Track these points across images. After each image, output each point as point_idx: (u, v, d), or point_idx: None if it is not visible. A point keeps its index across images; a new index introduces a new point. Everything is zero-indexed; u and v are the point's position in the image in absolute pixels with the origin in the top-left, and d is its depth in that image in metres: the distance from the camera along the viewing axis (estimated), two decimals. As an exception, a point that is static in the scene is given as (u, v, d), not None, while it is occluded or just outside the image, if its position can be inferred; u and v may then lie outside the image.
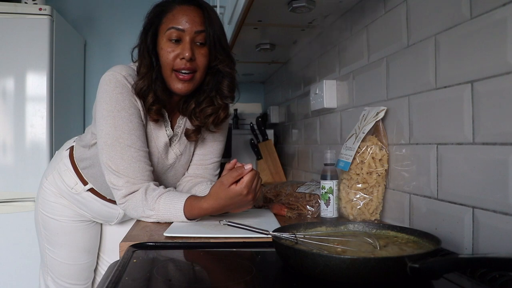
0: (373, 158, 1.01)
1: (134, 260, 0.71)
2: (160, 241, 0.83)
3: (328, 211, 1.06)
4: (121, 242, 0.82)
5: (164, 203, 0.98)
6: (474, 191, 0.72)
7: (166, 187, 1.07)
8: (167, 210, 0.98)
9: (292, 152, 2.06)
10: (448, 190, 0.80)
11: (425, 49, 0.87)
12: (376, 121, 1.03)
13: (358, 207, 1.02)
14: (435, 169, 0.84)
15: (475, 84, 0.72)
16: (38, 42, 2.11)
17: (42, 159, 2.09)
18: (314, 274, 0.59)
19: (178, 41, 1.02)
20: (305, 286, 0.59)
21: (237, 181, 0.93)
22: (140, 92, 1.03)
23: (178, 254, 0.80)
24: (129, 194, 1.01)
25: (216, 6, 1.63)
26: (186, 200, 0.98)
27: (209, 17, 1.03)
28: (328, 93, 1.41)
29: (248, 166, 0.93)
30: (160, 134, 1.12)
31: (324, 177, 1.07)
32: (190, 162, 1.24)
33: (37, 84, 2.11)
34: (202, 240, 0.84)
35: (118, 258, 0.78)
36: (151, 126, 1.10)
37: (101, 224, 1.36)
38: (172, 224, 0.97)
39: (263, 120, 2.30)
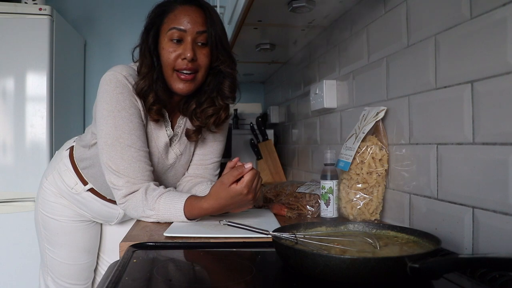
0: (373, 158, 1.01)
1: (134, 260, 0.71)
2: (160, 241, 0.83)
3: (328, 211, 1.06)
4: (121, 242, 0.82)
5: (164, 203, 0.98)
6: (474, 191, 0.72)
7: (166, 187, 1.07)
8: (167, 210, 0.98)
9: (292, 152, 2.06)
10: (448, 190, 0.80)
11: (425, 49, 0.87)
12: (376, 121, 1.03)
13: (358, 207, 1.02)
14: (435, 169, 0.84)
15: (475, 84, 0.72)
16: (38, 42, 2.11)
17: (42, 159, 2.09)
18: (314, 274, 0.59)
19: (179, 41, 1.02)
20: (305, 286, 0.59)
21: (237, 181, 0.93)
22: (141, 92, 1.03)
23: (178, 254, 0.80)
24: (129, 194, 1.01)
25: (216, 6, 1.63)
26: (186, 200, 0.98)
27: (210, 17, 1.03)
28: (328, 93, 1.41)
29: (248, 165, 0.93)
30: (160, 134, 1.12)
31: (324, 177, 1.07)
32: (190, 162, 1.24)
33: (37, 84, 2.11)
34: (202, 240, 0.84)
35: (118, 258, 0.78)
36: (152, 126, 1.10)
37: (101, 224, 1.36)
38: (172, 224, 0.97)
39: (263, 120, 2.30)
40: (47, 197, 1.24)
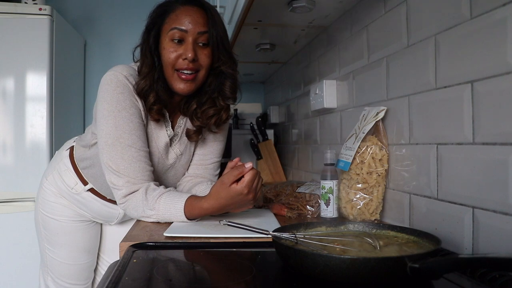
0: (373, 158, 1.01)
1: (134, 260, 0.71)
2: (160, 241, 0.83)
3: (328, 211, 1.06)
4: (121, 242, 0.82)
5: (164, 203, 0.98)
6: (474, 191, 0.72)
7: (166, 187, 1.07)
8: (167, 210, 0.98)
9: (292, 152, 2.06)
10: (448, 190, 0.80)
11: (425, 49, 0.87)
12: (376, 121, 1.03)
13: (358, 207, 1.02)
14: (435, 169, 0.84)
15: (475, 84, 0.72)
16: (38, 42, 2.10)
17: (42, 159, 2.09)
18: (314, 274, 0.59)
19: (180, 41, 1.02)
20: (305, 286, 0.59)
21: (238, 181, 0.93)
22: (141, 92, 1.03)
23: (178, 254, 0.80)
24: (129, 194, 1.01)
25: (216, 6, 1.63)
26: (186, 200, 0.98)
27: (212, 18, 1.03)
28: (328, 93, 1.41)
29: (248, 165, 0.93)
30: (160, 134, 1.12)
31: (324, 177, 1.07)
32: (190, 162, 1.24)
33: (37, 84, 2.11)
34: (202, 240, 0.84)
35: (118, 258, 0.78)
36: (152, 126, 1.10)
37: (101, 224, 1.36)
38: (172, 224, 0.97)
39: (263, 120, 2.30)
40: (47, 197, 1.24)
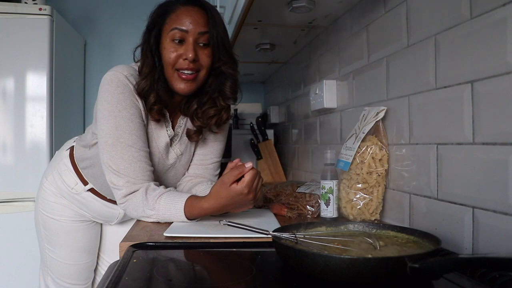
0: (373, 158, 1.01)
1: (134, 260, 0.71)
2: (160, 241, 0.83)
3: (328, 211, 1.06)
4: (121, 242, 0.82)
5: (164, 203, 0.98)
6: (474, 191, 0.72)
7: (166, 187, 1.07)
8: (167, 210, 0.98)
9: (292, 152, 2.06)
10: (448, 190, 0.80)
11: (425, 49, 0.87)
12: (376, 121, 1.03)
13: (358, 207, 1.02)
14: (435, 169, 0.84)
15: (475, 84, 0.72)
16: (38, 42, 2.10)
17: (42, 159, 2.09)
18: (314, 274, 0.59)
19: (181, 41, 1.02)
20: (305, 286, 0.59)
21: (238, 180, 0.93)
22: (142, 92, 1.03)
23: (178, 254, 0.80)
24: (129, 194, 1.01)
25: (216, 6, 1.63)
26: (186, 200, 0.98)
27: (212, 18, 1.03)
28: (328, 93, 1.41)
29: (248, 165, 0.93)
30: (161, 134, 1.12)
31: (324, 177, 1.07)
32: (191, 162, 1.24)
33: (37, 84, 2.11)
34: (202, 240, 0.84)
35: (118, 258, 0.78)
36: (152, 126, 1.10)
37: (101, 224, 1.36)
38: (172, 224, 0.97)
39: (263, 120, 2.30)
40: (47, 197, 1.24)
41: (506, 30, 0.65)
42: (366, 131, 1.02)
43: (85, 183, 1.21)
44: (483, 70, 0.70)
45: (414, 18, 0.92)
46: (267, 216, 1.09)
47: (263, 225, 0.81)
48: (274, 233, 0.70)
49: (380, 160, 1.01)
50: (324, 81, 1.42)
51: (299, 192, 1.21)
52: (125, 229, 1.28)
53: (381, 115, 1.02)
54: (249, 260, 0.75)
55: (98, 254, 1.37)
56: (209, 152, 1.23)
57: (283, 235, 0.70)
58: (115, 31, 2.82)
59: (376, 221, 1.02)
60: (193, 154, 1.23)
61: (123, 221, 1.33)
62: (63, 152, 1.25)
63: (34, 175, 2.01)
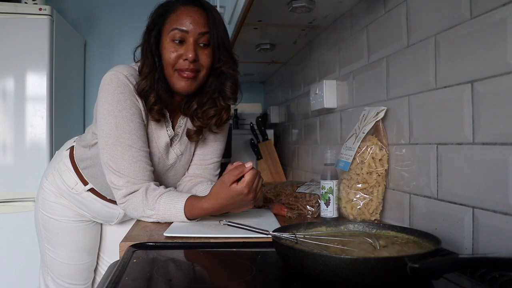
0: (373, 158, 1.01)
1: (134, 260, 0.71)
2: (160, 241, 0.83)
3: (328, 211, 1.06)
4: (121, 242, 0.82)
5: (164, 203, 0.98)
6: (474, 191, 0.72)
7: (166, 187, 1.07)
8: (167, 210, 0.98)
9: (292, 152, 2.06)
10: (448, 190, 0.80)
11: (425, 49, 0.87)
12: (376, 121, 1.03)
13: (358, 207, 1.02)
14: (435, 169, 0.84)
15: (475, 84, 0.72)
16: (38, 42, 2.10)
17: (42, 159, 2.09)
18: (314, 274, 0.59)
19: (181, 42, 1.02)
20: (305, 286, 0.59)
21: (238, 180, 0.93)
22: (142, 92, 1.03)
23: (178, 254, 0.80)
24: (129, 194, 1.01)
25: (216, 6, 1.63)
26: (186, 200, 0.98)
27: (213, 18, 1.03)
28: (328, 93, 1.41)
29: (248, 165, 0.93)
30: (161, 134, 1.12)
31: (324, 177, 1.07)
32: (191, 162, 1.24)
33: (37, 84, 2.11)
34: (202, 240, 0.84)
35: (118, 258, 0.78)
36: (152, 126, 1.10)
37: (101, 224, 1.36)
38: (172, 224, 0.97)
39: (263, 120, 2.30)
40: (47, 197, 1.24)
41: (506, 30, 0.65)
42: (366, 131, 1.02)
43: (85, 183, 1.21)
44: (483, 70, 0.70)
45: (414, 18, 0.92)
46: (267, 216, 1.09)
47: (263, 225, 0.81)
48: (274, 233, 0.70)
49: (380, 160, 1.01)
50: (324, 81, 1.42)
51: (299, 192, 1.21)
52: (125, 229, 1.28)
53: (381, 115, 1.02)
54: (249, 260, 0.75)
55: (98, 254, 1.37)
56: (209, 152, 1.23)
57: (283, 235, 0.70)
58: (115, 31, 2.82)
59: (376, 221, 1.02)
60: (193, 154, 1.23)
61: (123, 221, 1.33)
62: (63, 152, 1.25)
63: (34, 175, 2.01)
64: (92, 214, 1.26)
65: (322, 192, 1.07)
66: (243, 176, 0.93)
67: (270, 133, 2.25)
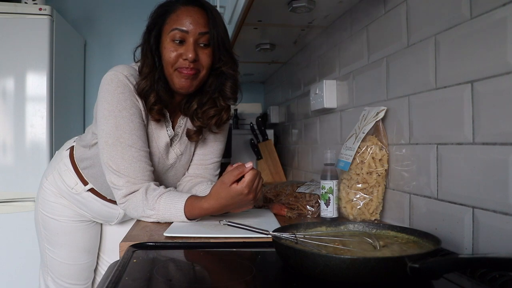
0: (373, 158, 1.01)
1: (134, 260, 0.71)
2: (160, 241, 0.83)
3: (328, 211, 1.06)
4: (121, 242, 0.82)
5: (164, 203, 0.98)
6: (474, 191, 0.72)
7: (166, 187, 1.07)
8: (167, 210, 0.98)
9: (292, 152, 2.06)
10: (448, 190, 0.80)
11: (425, 49, 0.87)
12: (376, 121, 1.03)
13: (358, 207, 1.02)
14: (435, 169, 0.84)
15: (475, 84, 0.72)
16: (38, 42, 2.10)
17: (42, 159, 2.09)
18: (314, 274, 0.59)
19: (181, 42, 1.02)
20: (305, 286, 0.59)
21: (238, 180, 0.93)
22: (142, 92, 1.03)
23: (178, 254, 0.80)
24: (129, 194, 1.01)
25: (216, 6, 1.63)
26: (186, 200, 0.98)
27: (213, 18, 1.03)
28: (328, 93, 1.41)
29: (249, 165, 0.93)
30: (161, 134, 1.12)
31: (324, 177, 1.07)
32: (191, 162, 1.24)
33: (37, 84, 2.11)
34: (202, 240, 0.84)
35: (118, 258, 0.78)
36: (152, 126, 1.10)
37: (101, 224, 1.36)
38: (172, 224, 0.97)
39: (263, 120, 2.30)
40: (47, 197, 1.24)
41: (506, 30, 0.65)
42: (366, 131, 1.02)
43: (85, 183, 1.21)
44: (483, 70, 0.70)
45: (414, 18, 0.92)
46: (267, 216, 1.09)
47: (263, 225, 0.81)
48: (274, 233, 0.70)
49: (380, 160, 1.01)
50: (324, 81, 1.42)
51: (299, 192, 1.21)
52: (125, 229, 1.28)
53: (381, 115, 1.02)
54: (249, 260, 0.75)
55: (98, 254, 1.37)
56: (209, 152, 1.23)
57: (283, 235, 0.70)
58: (115, 31, 2.82)
59: (376, 221, 1.02)
60: (193, 154, 1.23)
61: (123, 221, 1.33)
62: (63, 152, 1.25)
63: (34, 175, 2.01)
64: (92, 214, 1.27)
65: (322, 192, 1.07)
66: (243, 176, 0.93)
67: (270, 133, 2.25)
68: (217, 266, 0.75)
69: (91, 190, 1.21)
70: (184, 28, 1.01)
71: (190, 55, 1.00)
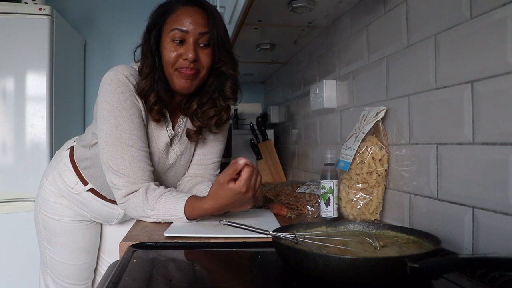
0: (373, 158, 1.01)
1: (134, 260, 0.71)
2: (160, 241, 0.83)
3: (328, 211, 1.06)
4: (121, 242, 0.82)
5: (164, 203, 0.98)
6: (474, 191, 0.72)
7: (166, 187, 1.07)
8: (167, 210, 0.98)
9: (292, 152, 2.06)
10: (448, 190, 0.80)
11: (425, 49, 0.87)
12: (376, 121, 1.03)
13: (358, 207, 1.02)
14: (435, 169, 0.84)
15: (475, 84, 0.72)
16: (38, 42, 2.10)
17: (42, 159, 2.09)
18: (314, 274, 0.59)
19: (181, 42, 1.02)
20: (305, 286, 0.59)
21: (236, 179, 0.92)
22: (142, 92, 1.03)
23: (178, 254, 0.80)
24: (129, 194, 1.01)
25: (216, 6, 1.63)
26: (186, 200, 0.98)
27: (213, 18, 1.03)
28: (328, 93, 1.41)
29: (241, 161, 0.91)
30: (161, 134, 1.12)
31: (324, 177, 1.07)
32: (191, 162, 1.24)
33: (37, 84, 2.11)
34: (202, 240, 0.84)
35: (118, 258, 0.78)
36: (152, 126, 1.10)
37: (101, 224, 1.36)
38: (172, 224, 0.97)
39: (263, 120, 2.30)
40: (47, 197, 1.24)
41: (506, 30, 0.65)
42: (366, 131, 1.02)
43: (85, 183, 1.21)
44: (483, 70, 0.70)
45: (414, 18, 0.92)
46: (267, 216, 1.09)
47: (263, 225, 0.81)
48: (274, 233, 0.70)
49: (380, 160, 1.01)
50: (324, 81, 1.42)
51: (299, 192, 1.21)
52: (125, 229, 1.28)
53: (381, 115, 1.02)
54: (249, 260, 0.75)
55: (98, 254, 1.37)
56: (209, 152, 1.23)
57: (283, 235, 0.70)
58: (115, 31, 2.82)
59: (376, 221, 1.02)
60: (193, 154, 1.23)
61: (123, 221, 1.33)
62: (63, 152, 1.25)
63: (34, 175, 2.01)
64: (92, 214, 1.27)
65: (322, 192, 1.07)
66: (240, 175, 0.92)
67: (270, 133, 2.25)
68: (217, 266, 0.75)
69: (91, 190, 1.21)
70: (184, 28, 1.01)
71: (190, 55, 1.00)
